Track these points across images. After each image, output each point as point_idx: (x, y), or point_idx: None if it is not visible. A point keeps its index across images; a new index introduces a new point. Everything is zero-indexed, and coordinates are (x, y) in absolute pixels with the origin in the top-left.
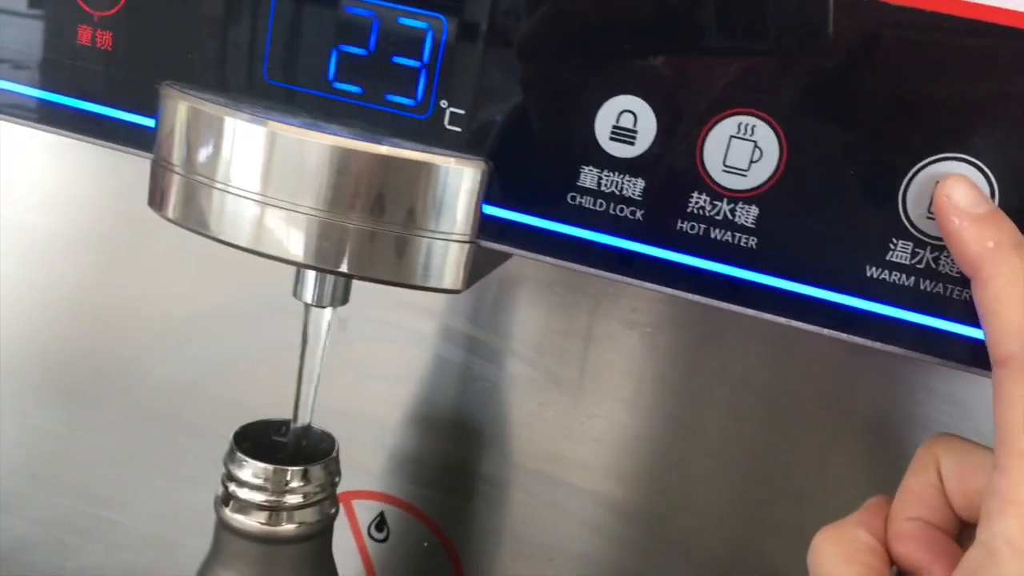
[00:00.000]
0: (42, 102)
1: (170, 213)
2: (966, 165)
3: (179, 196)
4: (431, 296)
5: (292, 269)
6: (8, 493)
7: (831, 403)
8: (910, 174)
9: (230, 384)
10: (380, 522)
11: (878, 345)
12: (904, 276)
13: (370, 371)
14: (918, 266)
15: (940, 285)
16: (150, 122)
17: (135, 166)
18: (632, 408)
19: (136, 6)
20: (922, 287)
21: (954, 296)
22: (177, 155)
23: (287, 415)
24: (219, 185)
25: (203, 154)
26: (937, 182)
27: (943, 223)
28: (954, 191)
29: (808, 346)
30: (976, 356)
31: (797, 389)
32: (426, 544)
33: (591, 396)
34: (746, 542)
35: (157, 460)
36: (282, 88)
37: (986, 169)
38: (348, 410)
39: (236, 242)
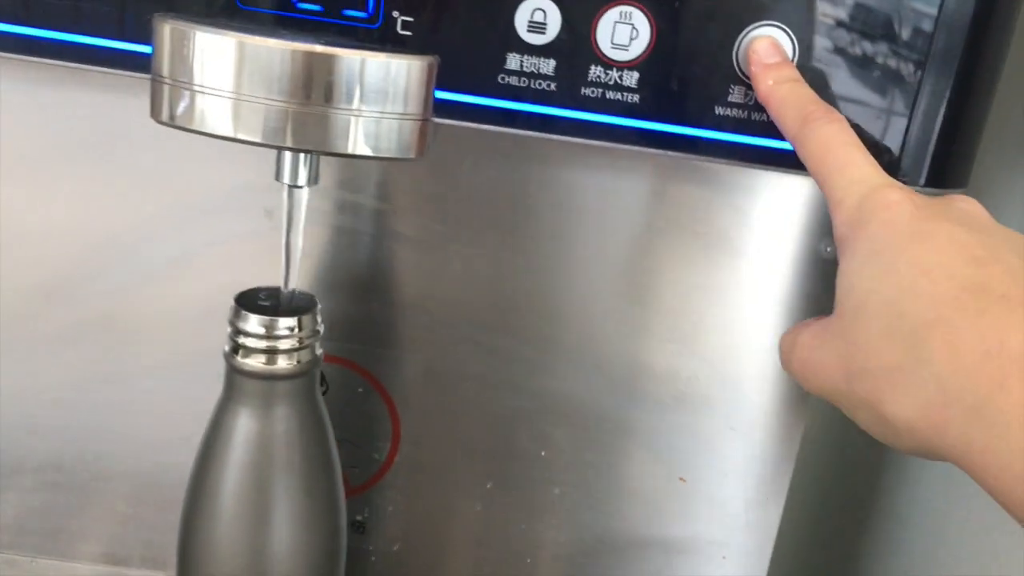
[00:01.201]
0: (42, 38)
1: (166, 117)
2: (776, 29)
3: (182, 103)
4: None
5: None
6: None
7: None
8: (740, 37)
9: (167, 286)
10: (320, 379)
11: (724, 162)
12: (739, 111)
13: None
14: (748, 103)
15: (762, 115)
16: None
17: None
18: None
19: None
20: (752, 118)
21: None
22: (167, 69)
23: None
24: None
25: (198, 66)
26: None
27: (749, 69)
28: (756, 46)
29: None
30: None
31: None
32: (360, 389)
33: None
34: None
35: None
36: (253, 11)
37: (789, 31)
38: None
39: (251, 138)
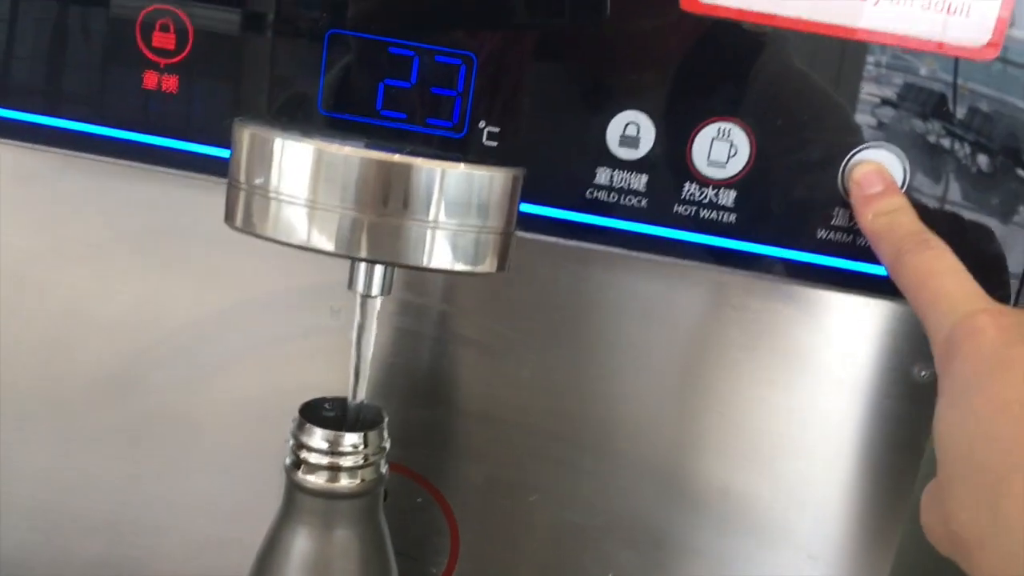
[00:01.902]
0: (119, 139)
1: (240, 223)
2: (883, 151)
3: (257, 209)
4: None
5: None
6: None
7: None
8: (846, 159)
9: (229, 381)
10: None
11: (825, 287)
12: (843, 235)
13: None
14: (852, 227)
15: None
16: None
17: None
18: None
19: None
20: (856, 242)
21: None
22: (244, 174)
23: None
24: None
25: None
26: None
27: (851, 200)
28: (857, 176)
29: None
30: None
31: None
32: (419, 499)
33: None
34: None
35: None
36: (336, 118)
37: (899, 152)
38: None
39: (325, 247)
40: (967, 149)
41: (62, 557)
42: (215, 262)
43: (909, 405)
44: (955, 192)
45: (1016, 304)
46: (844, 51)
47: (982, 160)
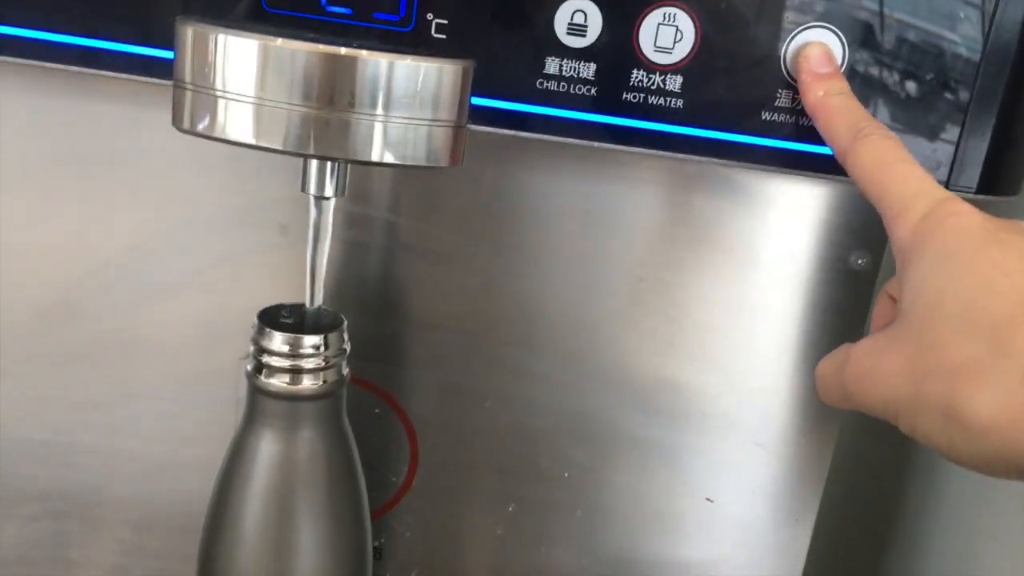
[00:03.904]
0: (49, 41)
1: (187, 124)
2: (826, 30)
3: (204, 109)
4: None
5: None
6: None
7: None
8: (786, 41)
9: (178, 303)
10: None
11: (771, 169)
12: (786, 116)
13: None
14: (796, 108)
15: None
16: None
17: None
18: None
19: None
20: (800, 123)
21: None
22: (189, 73)
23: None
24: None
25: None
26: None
27: (798, 77)
28: (808, 53)
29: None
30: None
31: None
32: (377, 411)
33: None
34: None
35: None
36: (280, 14)
37: (840, 34)
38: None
39: (273, 145)
40: (903, 37)
41: (12, 489)
42: (158, 181)
43: (845, 292)
44: (891, 78)
45: None
46: None
47: (917, 49)
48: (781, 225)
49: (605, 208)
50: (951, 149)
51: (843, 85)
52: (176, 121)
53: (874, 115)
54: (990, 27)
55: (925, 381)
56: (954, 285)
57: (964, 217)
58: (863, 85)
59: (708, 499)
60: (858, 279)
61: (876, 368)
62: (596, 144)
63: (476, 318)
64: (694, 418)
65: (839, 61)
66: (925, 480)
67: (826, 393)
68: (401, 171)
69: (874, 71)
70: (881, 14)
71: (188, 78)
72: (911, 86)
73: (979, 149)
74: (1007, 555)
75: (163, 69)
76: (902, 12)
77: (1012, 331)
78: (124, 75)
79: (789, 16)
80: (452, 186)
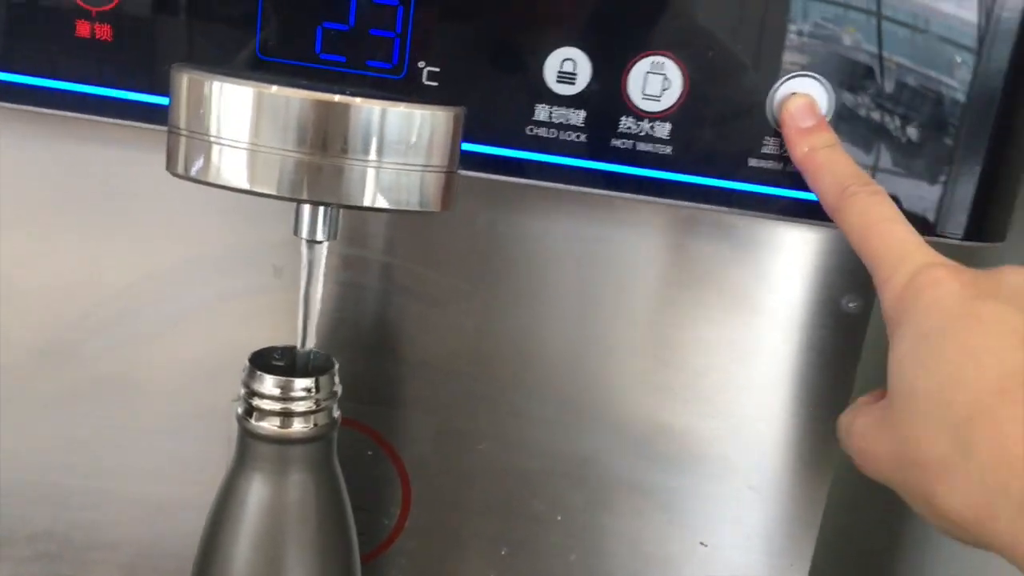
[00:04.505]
0: (50, 88)
1: (181, 170)
2: (811, 80)
3: (198, 155)
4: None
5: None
6: None
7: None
8: (772, 90)
9: (171, 344)
10: None
11: (758, 215)
12: (773, 163)
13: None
14: (783, 155)
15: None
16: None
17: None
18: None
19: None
20: (787, 169)
21: None
22: (184, 120)
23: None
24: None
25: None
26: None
27: (783, 131)
28: (791, 107)
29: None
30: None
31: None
32: (369, 452)
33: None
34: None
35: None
36: (275, 63)
37: (825, 82)
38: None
39: (267, 190)
40: (888, 84)
41: (4, 529)
42: (153, 223)
43: (837, 335)
44: (876, 125)
45: None
46: None
47: (903, 95)
48: (774, 268)
49: (599, 251)
50: (937, 195)
51: (829, 137)
52: (171, 166)
53: (860, 161)
54: (975, 74)
55: (908, 471)
56: (925, 373)
57: (942, 287)
58: (850, 132)
59: (702, 543)
60: (850, 321)
61: (868, 450)
62: (586, 189)
63: (470, 360)
64: (688, 461)
65: (824, 109)
66: (920, 524)
67: (843, 446)
68: (395, 215)
69: (860, 118)
70: (867, 62)
71: (183, 124)
72: (897, 133)
73: (965, 196)
74: None
75: (161, 116)
76: (888, 59)
77: (971, 430)
78: (122, 121)
79: (775, 65)
80: (447, 229)
